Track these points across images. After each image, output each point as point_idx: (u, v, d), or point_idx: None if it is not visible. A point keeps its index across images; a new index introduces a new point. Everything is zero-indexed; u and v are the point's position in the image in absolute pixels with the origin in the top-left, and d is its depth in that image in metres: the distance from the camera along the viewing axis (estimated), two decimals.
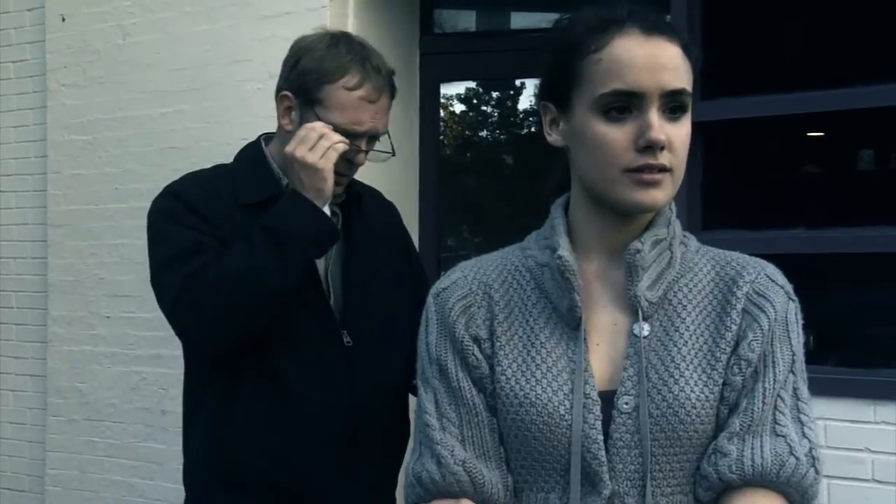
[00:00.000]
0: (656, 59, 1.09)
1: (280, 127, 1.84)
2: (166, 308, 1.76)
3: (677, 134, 1.11)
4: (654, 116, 1.09)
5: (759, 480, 1.09)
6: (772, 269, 1.18)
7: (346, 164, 1.80)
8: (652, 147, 1.08)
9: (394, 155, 1.91)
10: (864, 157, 3.23)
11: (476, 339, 1.18)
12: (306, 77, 1.77)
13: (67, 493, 3.75)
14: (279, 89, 1.83)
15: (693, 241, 1.23)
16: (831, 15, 2.91)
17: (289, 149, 1.72)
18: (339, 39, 1.82)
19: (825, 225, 2.76)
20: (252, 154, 1.87)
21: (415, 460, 1.18)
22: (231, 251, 1.71)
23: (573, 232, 1.20)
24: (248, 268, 1.67)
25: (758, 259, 1.20)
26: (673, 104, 1.11)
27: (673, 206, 1.20)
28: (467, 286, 1.21)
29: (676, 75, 1.10)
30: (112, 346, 3.61)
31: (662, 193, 1.11)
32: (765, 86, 2.77)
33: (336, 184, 1.82)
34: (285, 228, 1.69)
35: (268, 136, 1.91)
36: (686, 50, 1.13)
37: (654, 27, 1.11)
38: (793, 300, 1.17)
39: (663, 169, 1.10)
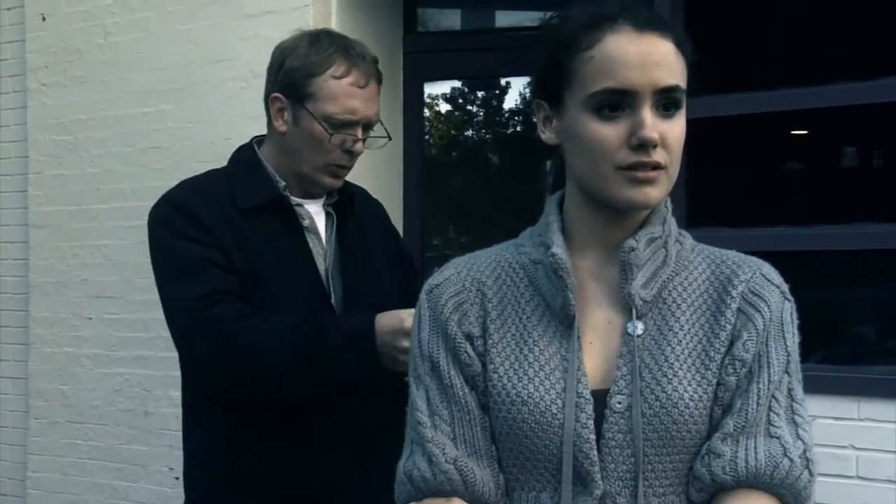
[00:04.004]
0: (648, 57, 1.08)
1: (274, 130, 1.84)
2: (176, 329, 1.75)
3: (671, 131, 1.10)
4: (647, 114, 1.08)
5: (753, 482, 1.08)
6: (767, 269, 1.18)
7: (347, 155, 1.81)
8: (645, 145, 1.08)
9: (390, 139, 1.91)
10: (847, 155, 3.24)
11: (469, 337, 1.17)
12: (293, 74, 1.77)
13: (49, 496, 3.72)
14: (268, 93, 1.83)
15: (688, 240, 1.22)
16: (814, 12, 2.92)
17: (409, 324, 1.62)
18: (319, 35, 1.83)
19: (809, 222, 2.77)
20: (246, 158, 1.87)
21: (406, 458, 1.17)
22: (280, 329, 1.68)
23: (568, 229, 1.19)
24: (280, 360, 1.65)
25: (753, 258, 1.19)
26: (666, 101, 1.10)
27: (669, 204, 1.19)
28: (460, 283, 1.20)
29: (669, 72, 1.09)
30: (94, 348, 3.58)
31: (656, 191, 1.11)
32: (748, 83, 2.77)
33: (337, 176, 1.83)
34: (338, 357, 1.66)
35: (259, 140, 1.91)
36: (680, 45, 1.12)
37: (646, 23, 1.10)
38: (788, 300, 1.16)
39: (657, 166, 1.09)
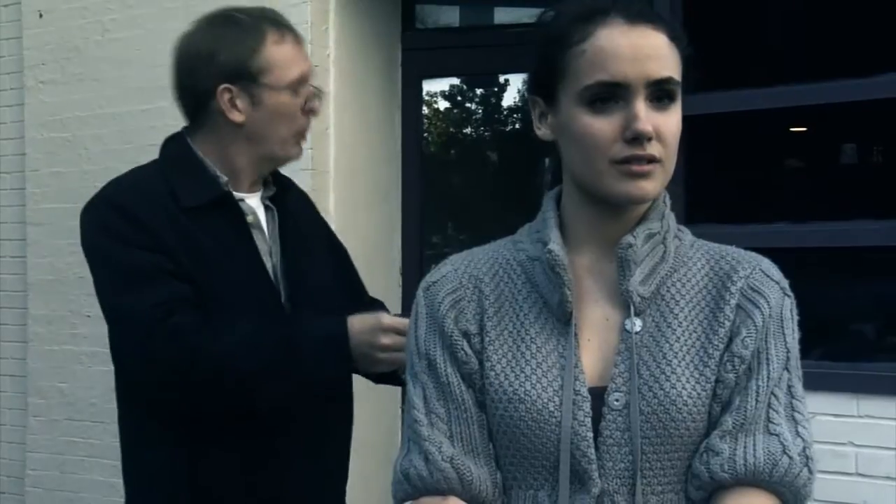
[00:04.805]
0: (640, 49, 1.08)
1: (218, 124, 1.73)
2: (129, 343, 1.66)
3: (665, 123, 1.09)
4: (641, 107, 1.07)
5: (752, 480, 1.07)
6: (767, 265, 1.17)
7: (308, 116, 1.77)
8: (639, 138, 1.07)
9: (323, 92, 1.87)
10: (846, 151, 3.24)
11: (465, 334, 1.16)
12: (235, 59, 1.69)
13: (48, 493, 3.72)
14: (206, 90, 1.71)
15: (688, 235, 1.21)
16: (812, 8, 2.92)
17: (387, 321, 1.63)
18: (227, 15, 1.75)
19: (808, 219, 2.77)
20: (181, 154, 1.77)
21: (403, 456, 1.16)
22: (247, 336, 1.63)
23: (565, 225, 1.18)
24: (249, 368, 1.61)
25: (753, 254, 1.18)
26: (660, 94, 1.09)
27: (667, 200, 1.18)
28: (457, 280, 1.19)
29: (662, 64, 1.09)
30: (93, 346, 3.57)
31: (651, 184, 1.10)
32: (747, 80, 2.77)
33: (301, 144, 1.79)
34: (311, 362, 1.63)
35: (188, 130, 1.80)
36: (674, 38, 1.11)
37: (638, 16, 1.09)
38: (788, 296, 1.15)
39: (652, 160, 1.08)
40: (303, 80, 1.74)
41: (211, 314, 1.66)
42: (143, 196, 1.70)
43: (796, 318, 1.15)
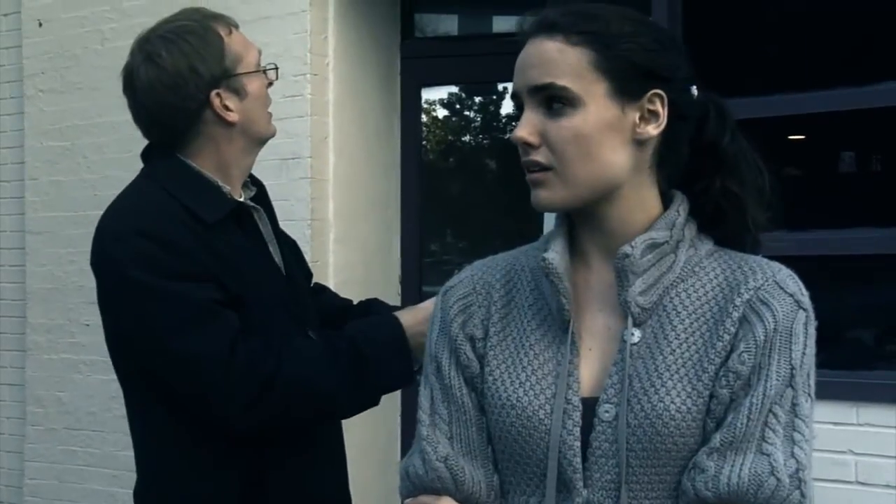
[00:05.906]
0: (526, 59, 1.12)
1: (218, 126, 1.72)
2: (212, 382, 1.59)
3: (552, 129, 1.10)
4: (525, 115, 1.11)
5: (735, 500, 1.04)
6: (784, 275, 1.13)
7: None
8: (519, 146, 1.12)
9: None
10: (845, 159, 3.24)
11: (471, 339, 1.18)
12: (213, 64, 1.71)
13: (47, 503, 3.70)
14: (199, 103, 1.71)
15: (706, 245, 1.18)
16: (812, 17, 2.92)
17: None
18: (176, 28, 1.75)
19: (806, 227, 2.77)
20: (179, 170, 1.74)
21: (408, 455, 1.20)
22: (318, 355, 1.66)
23: (575, 234, 1.18)
24: (330, 386, 1.64)
25: (775, 264, 1.15)
26: (548, 100, 1.10)
27: (682, 209, 1.16)
28: (471, 285, 1.21)
29: (544, 70, 1.10)
30: (92, 355, 3.57)
31: (546, 192, 1.11)
32: (745, 88, 2.77)
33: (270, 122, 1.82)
34: (383, 369, 1.66)
35: (176, 148, 1.77)
36: (577, 42, 1.09)
37: (538, 28, 1.12)
38: (804, 309, 1.10)
39: (542, 167, 1.11)
40: (258, 60, 1.79)
41: (255, 329, 1.64)
42: (168, 219, 1.64)
43: (812, 332, 1.11)
